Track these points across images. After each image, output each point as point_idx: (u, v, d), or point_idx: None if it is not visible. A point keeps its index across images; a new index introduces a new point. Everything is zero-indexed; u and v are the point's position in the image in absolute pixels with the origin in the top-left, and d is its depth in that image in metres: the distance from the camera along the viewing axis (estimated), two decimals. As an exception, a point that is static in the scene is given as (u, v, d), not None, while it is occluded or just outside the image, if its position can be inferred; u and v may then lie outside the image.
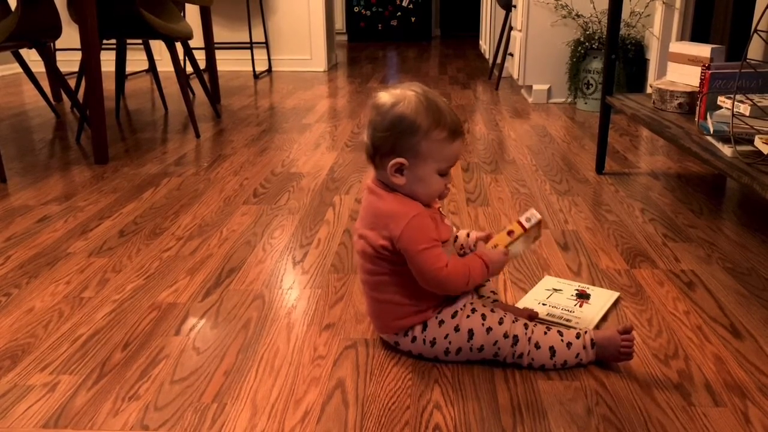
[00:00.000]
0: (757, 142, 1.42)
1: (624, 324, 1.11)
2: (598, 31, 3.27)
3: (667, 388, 1.05)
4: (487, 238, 1.20)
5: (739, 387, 1.06)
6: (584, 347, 1.10)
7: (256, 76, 4.66)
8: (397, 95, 1.06)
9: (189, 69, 4.45)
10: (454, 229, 1.24)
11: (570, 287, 1.38)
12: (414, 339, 1.12)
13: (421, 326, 1.12)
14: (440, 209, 1.16)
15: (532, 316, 1.22)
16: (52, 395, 1.05)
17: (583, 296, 1.34)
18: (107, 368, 1.12)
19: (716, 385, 1.06)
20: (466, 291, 1.13)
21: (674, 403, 1.02)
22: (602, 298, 1.34)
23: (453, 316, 1.11)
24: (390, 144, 1.06)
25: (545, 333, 1.10)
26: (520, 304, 1.31)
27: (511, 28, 3.99)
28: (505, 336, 1.09)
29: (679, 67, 2.05)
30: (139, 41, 3.94)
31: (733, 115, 1.50)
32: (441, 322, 1.11)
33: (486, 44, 5.59)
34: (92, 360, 1.15)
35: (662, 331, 1.23)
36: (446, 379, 1.09)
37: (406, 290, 1.10)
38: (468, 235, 1.24)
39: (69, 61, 4.62)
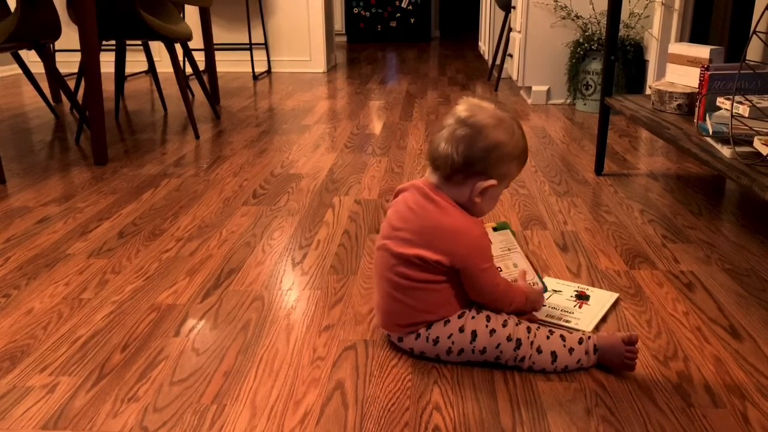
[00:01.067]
0: (756, 143, 1.42)
1: (630, 334, 1.09)
2: (598, 32, 3.27)
3: (666, 389, 1.05)
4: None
5: (738, 388, 1.06)
6: (586, 353, 1.10)
7: (256, 77, 4.66)
8: (495, 117, 1.07)
9: (188, 70, 4.46)
10: None
11: (569, 288, 1.38)
12: (418, 336, 1.12)
13: (426, 325, 1.12)
14: None
15: (531, 318, 1.22)
16: (51, 396, 1.05)
17: (582, 297, 1.34)
18: (106, 369, 1.12)
19: (715, 386, 1.06)
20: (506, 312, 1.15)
21: (673, 405, 1.02)
22: (601, 299, 1.34)
23: (459, 317, 1.11)
24: (484, 165, 1.07)
25: (548, 337, 1.10)
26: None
27: (510, 29, 4.00)
28: (509, 339, 1.09)
29: (678, 68, 2.05)
30: (139, 42, 3.94)
31: (732, 116, 1.50)
32: (446, 322, 1.11)
33: (485, 45, 5.59)
34: (91, 361, 1.15)
35: (661, 332, 1.23)
36: (446, 380, 1.09)
37: (435, 300, 1.10)
38: None
39: (68, 62, 4.63)
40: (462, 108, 1.09)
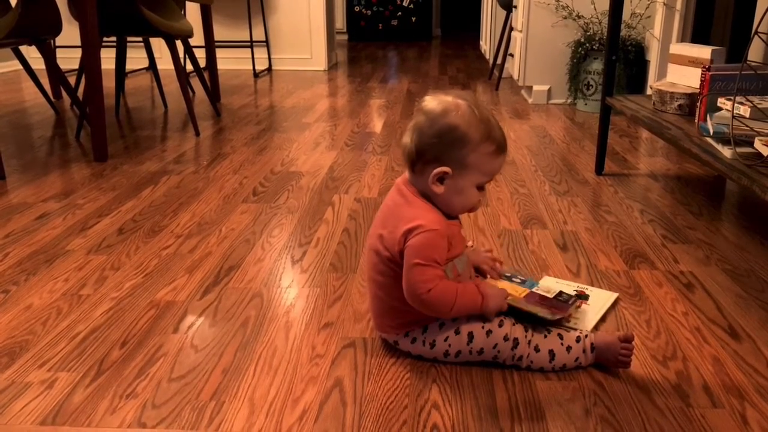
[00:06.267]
0: (757, 143, 1.42)
1: (626, 332, 1.10)
2: (599, 32, 3.27)
3: (665, 390, 1.05)
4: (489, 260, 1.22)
5: (737, 388, 1.06)
6: (584, 351, 1.10)
7: (256, 74, 4.65)
8: (449, 103, 1.04)
9: (189, 67, 4.45)
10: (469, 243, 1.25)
11: (569, 288, 1.38)
12: (414, 340, 1.12)
13: (421, 328, 1.11)
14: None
15: None
16: (49, 392, 1.05)
17: (581, 297, 1.33)
18: (105, 366, 1.12)
19: (714, 387, 1.06)
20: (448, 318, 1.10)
21: (672, 405, 1.02)
22: (601, 299, 1.34)
23: (454, 319, 1.10)
24: (437, 152, 1.04)
25: (545, 336, 1.10)
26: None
27: (511, 29, 3.99)
28: (505, 339, 1.09)
29: (679, 69, 2.05)
30: (140, 39, 3.94)
31: (733, 116, 1.50)
32: (441, 325, 1.11)
33: (486, 44, 5.59)
34: (90, 357, 1.15)
35: (660, 333, 1.23)
36: (444, 378, 1.09)
37: None
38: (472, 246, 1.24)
39: (69, 59, 4.62)
40: (425, 98, 1.08)
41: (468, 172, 1.06)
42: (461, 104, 1.04)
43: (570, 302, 1.23)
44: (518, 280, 1.31)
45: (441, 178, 1.06)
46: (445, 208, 1.09)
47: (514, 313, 1.13)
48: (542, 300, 1.22)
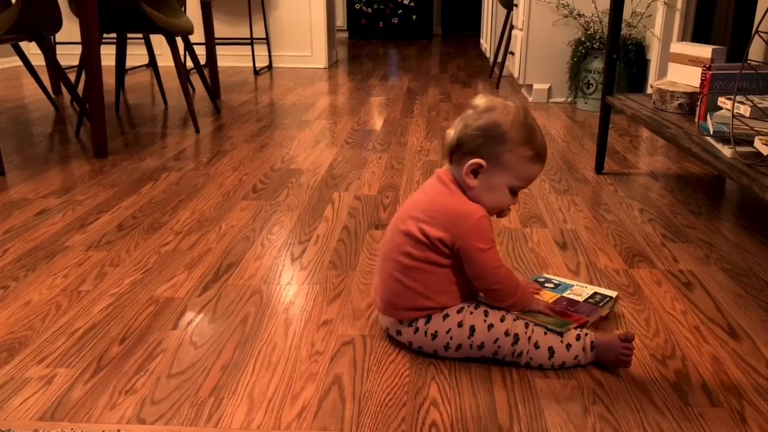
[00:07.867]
0: (757, 143, 1.42)
1: (627, 331, 1.10)
2: (599, 30, 3.27)
3: (663, 388, 1.05)
4: None
5: (735, 387, 1.06)
6: (583, 349, 1.10)
7: (257, 72, 4.65)
8: (498, 102, 1.10)
9: (189, 64, 4.45)
10: None
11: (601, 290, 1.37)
12: (417, 330, 1.12)
13: (425, 318, 1.12)
14: None
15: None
16: (48, 388, 1.05)
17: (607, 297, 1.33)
18: (104, 362, 1.12)
19: (713, 386, 1.06)
20: (505, 306, 1.13)
21: (671, 403, 1.02)
22: (600, 297, 1.34)
23: (459, 312, 1.11)
24: (476, 145, 1.08)
25: (545, 333, 1.10)
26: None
27: (512, 27, 3.99)
28: (506, 334, 1.09)
29: (679, 68, 2.05)
30: (140, 35, 3.93)
31: (734, 116, 1.50)
32: (445, 316, 1.11)
33: (487, 43, 5.58)
34: (89, 353, 1.15)
35: (659, 331, 1.23)
36: (443, 376, 1.09)
37: (434, 284, 1.11)
38: None
39: (69, 55, 4.62)
40: (477, 95, 1.13)
41: (501, 171, 1.09)
42: (510, 105, 1.09)
43: (601, 304, 1.24)
44: (551, 286, 1.31)
45: (475, 171, 1.09)
46: (483, 205, 1.12)
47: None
48: (570, 305, 1.22)
